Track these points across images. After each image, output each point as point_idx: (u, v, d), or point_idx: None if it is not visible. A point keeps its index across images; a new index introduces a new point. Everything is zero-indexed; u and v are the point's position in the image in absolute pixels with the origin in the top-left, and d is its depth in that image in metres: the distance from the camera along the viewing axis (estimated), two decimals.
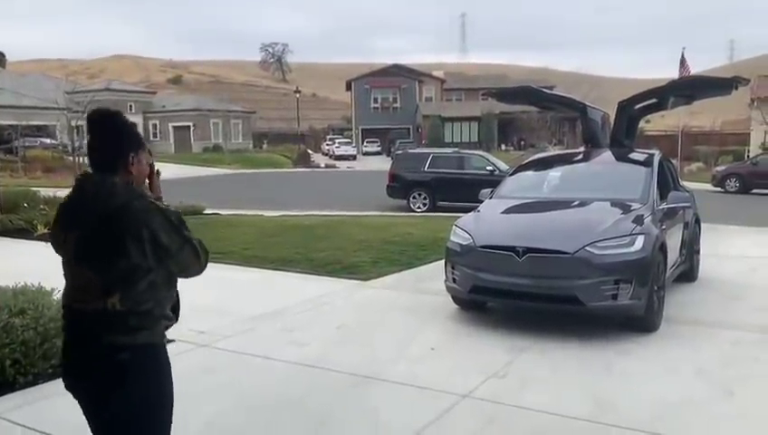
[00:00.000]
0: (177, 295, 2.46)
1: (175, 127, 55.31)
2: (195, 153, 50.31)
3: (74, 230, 2.24)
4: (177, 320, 2.45)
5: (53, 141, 38.48)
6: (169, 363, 2.41)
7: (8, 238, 10.43)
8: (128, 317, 2.22)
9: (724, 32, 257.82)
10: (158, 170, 2.52)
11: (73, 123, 20.48)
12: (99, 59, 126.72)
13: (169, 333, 5.77)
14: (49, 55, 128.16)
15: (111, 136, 2.31)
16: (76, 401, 2.37)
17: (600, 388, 4.52)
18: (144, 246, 2.18)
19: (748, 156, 31.81)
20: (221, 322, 6.01)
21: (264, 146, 60.60)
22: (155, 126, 56.16)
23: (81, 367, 2.28)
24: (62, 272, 2.35)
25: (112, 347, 2.21)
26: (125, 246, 2.16)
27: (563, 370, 4.88)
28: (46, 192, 13.98)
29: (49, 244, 2.43)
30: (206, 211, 14.61)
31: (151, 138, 54.42)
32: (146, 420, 2.29)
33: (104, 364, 2.22)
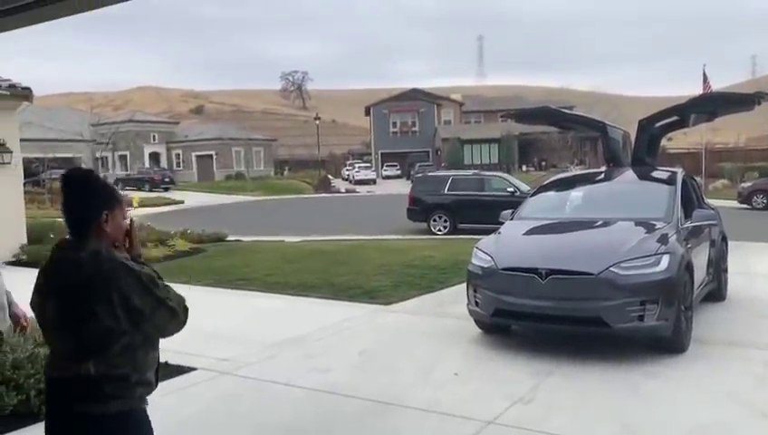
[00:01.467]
0: (158, 361, 2.40)
1: (198, 156, 56.10)
2: (217, 181, 50.91)
3: (50, 299, 2.23)
4: (156, 385, 2.38)
5: None
6: (148, 429, 2.35)
7: (35, 269, 10.54)
8: (101, 383, 2.15)
9: (746, 47, 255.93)
10: (132, 220, 2.44)
11: (98, 154, 20.88)
12: (123, 91, 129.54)
13: (191, 362, 5.80)
14: (75, 89, 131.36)
15: (82, 196, 2.25)
16: None
17: (628, 412, 4.41)
18: (115, 310, 2.13)
19: None
20: (243, 349, 6.00)
21: (286, 173, 61.15)
22: (178, 155, 57.02)
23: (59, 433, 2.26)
24: (45, 342, 2.36)
25: (83, 416, 2.16)
26: (95, 311, 2.12)
27: (590, 394, 4.78)
28: None
29: None
30: (228, 238, 14.72)
31: (174, 167, 55.24)
32: None
33: (79, 433, 2.18)
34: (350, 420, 4.45)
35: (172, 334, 2.34)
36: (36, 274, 2.35)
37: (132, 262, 2.28)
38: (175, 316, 2.28)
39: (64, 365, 2.20)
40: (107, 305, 2.12)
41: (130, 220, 2.43)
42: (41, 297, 2.29)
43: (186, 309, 2.34)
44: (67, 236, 2.30)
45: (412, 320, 7.18)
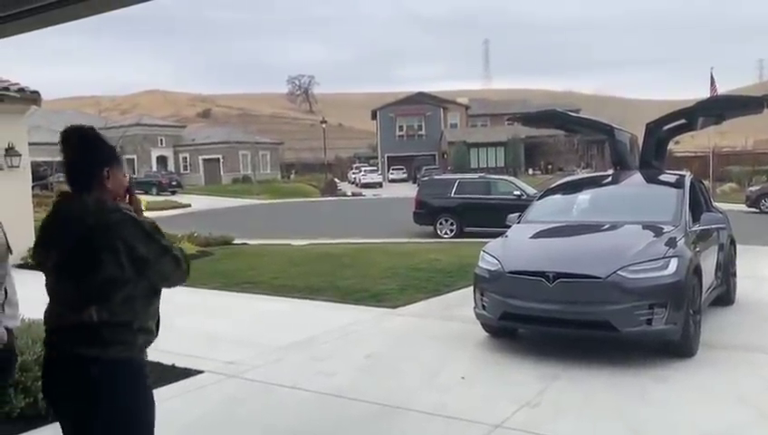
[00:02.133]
0: (159, 312, 2.43)
1: (205, 159, 56.27)
2: (224, 184, 51.06)
3: (53, 249, 2.27)
4: (156, 335, 2.41)
5: None
6: (147, 380, 2.36)
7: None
8: (101, 329, 2.19)
9: (753, 51, 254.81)
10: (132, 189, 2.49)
11: None
12: (130, 95, 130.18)
13: (199, 365, 5.80)
14: (83, 92, 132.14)
15: (83, 152, 2.29)
16: None
17: (637, 417, 4.38)
18: (120, 258, 2.16)
19: None
20: (250, 352, 6.00)
21: (292, 176, 61.26)
22: (185, 159, 57.22)
23: (57, 384, 2.28)
24: (46, 291, 2.37)
25: (83, 360, 2.18)
26: (101, 259, 2.15)
27: (597, 398, 4.76)
28: None
29: None
30: (235, 241, 14.75)
31: (182, 170, 55.41)
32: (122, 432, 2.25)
33: (76, 379, 2.20)
34: (356, 423, 4.44)
35: (176, 284, 2.37)
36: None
37: (135, 213, 2.31)
38: (179, 264, 2.31)
39: (66, 314, 2.23)
40: (112, 254, 2.15)
41: (129, 178, 2.47)
42: (44, 248, 2.32)
43: (188, 259, 2.38)
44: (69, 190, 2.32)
45: (419, 323, 7.17)
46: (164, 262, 2.26)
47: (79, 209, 2.22)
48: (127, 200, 2.41)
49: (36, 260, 2.37)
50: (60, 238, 2.25)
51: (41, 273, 2.37)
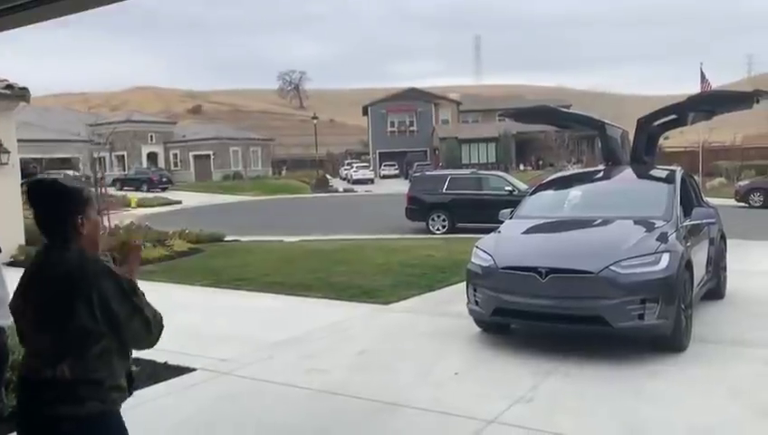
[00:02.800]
0: (131, 369, 2.39)
1: (195, 156, 56.01)
2: (215, 181, 50.85)
3: (32, 299, 2.25)
4: (131, 394, 2.37)
5: (76, 173, 39.12)
6: (124, 430, 2.31)
7: None
8: (76, 387, 2.15)
9: (742, 46, 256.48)
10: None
11: (95, 155, 20.82)
12: (120, 91, 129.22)
13: (191, 363, 5.78)
14: (72, 89, 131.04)
15: (52, 204, 2.25)
16: None
17: (629, 411, 4.40)
18: (94, 310, 2.13)
19: None
20: (242, 349, 5.98)
21: (283, 172, 61.11)
22: (175, 155, 56.94)
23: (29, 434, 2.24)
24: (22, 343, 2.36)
25: (56, 418, 2.15)
26: (75, 308, 2.12)
27: (591, 393, 4.77)
28: None
29: None
30: (226, 238, 14.70)
31: (172, 167, 55.14)
32: None
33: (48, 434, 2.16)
34: (349, 420, 4.44)
35: (144, 347, 2.33)
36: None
37: (113, 265, 2.28)
38: (148, 329, 2.26)
39: (40, 368, 2.19)
40: (86, 304, 2.12)
41: (136, 244, 2.47)
42: (22, 298, 2.29)
43: (160, 325, 2.31)
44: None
45: (412, 319, 7.17)
46: (134, 323, 2.21)
47: (59, 257, 2.20)
48: (127, 255, 2.43)
49: (15, 312, 2.34)
50: (39, 290, 2.22)
51: None
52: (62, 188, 2.30)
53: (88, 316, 2.13)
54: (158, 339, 2.32)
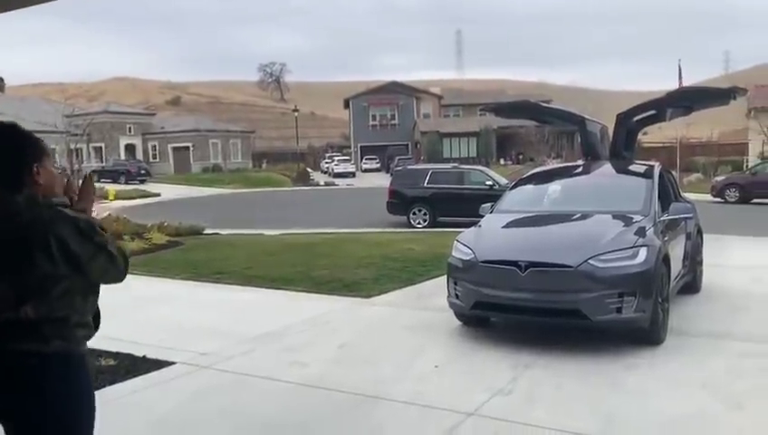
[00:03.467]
0: (97, 306, 2.41)
1: (174, 148, 55.44)
2: (194, 173, 50.41)
3: None
4: (96, 330, 2.40)
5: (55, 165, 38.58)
6: (88, 373, 2.36)
7: None
8: (40, 325, 2.19)
9: (720, 43, 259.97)
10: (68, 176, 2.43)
11: (72, 146, 20.53)
12: (97, 82, 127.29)
13: (171, 356, 5.74)
14: (48, 79, 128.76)
15: (8, 151, 2.24)
16: None
17: (607, 403, 4.46)
18: (53, 255, 2.15)
19: (747, 166, 31.86)
20: (223, 343, 5.95)
21: (264, 165, 60.71)
22: (154, 147, 56.31)
23: None
24: None
25: (22, 354, 2.18)
26: (33, 256, 2.15)
27: (569, 385, 4.83)
28: None
29: None
30: (206, 231, 14.59)
31: (151, 159, 54.54)
32: (61, 430, 2.26)
33: (15, 373, 2.19)
34: (331, 413, 4.44)
35: (112, 282, 2.35)
36: None
37: (71, 210, 2.27)
38: (113, 262, 2.29)
39: (3, 310, 2.19)
40: (45, 252, 2.14)
41: (88, 176, 2.42)
42: None
43: (126, 258, 2.35)
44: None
45: (392, 313, 7.19)
46: (99, 260, 2.24)
47: (11, 208, 2.18)
48: (79, 191, 2.38)
49: None
50: None
51: None
52: (19, 133, 2.29)
53: (47, 261, 2.15)
54: (126, 272, 2.35)
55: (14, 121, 2.41)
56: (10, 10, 4.72)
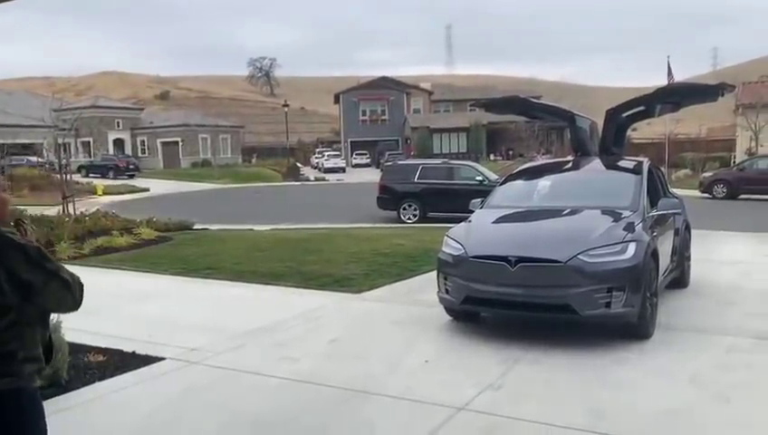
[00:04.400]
0: (50, 337, 2.33)
1: (163, 142, 55.11)
2: (183, 169, 50.13)
3: None
4: (48, 363, 2.30)
5: (40, 160, 38.21)
6: (41, 411, 2.24)
7: None
8: None
9: (708, 39, 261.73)
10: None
11: (60, 141, 20.36)
12: (85, 76, 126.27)
13: (160, 352, 5.72)
14: (35, 73, 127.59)
15: None
16: None
17: (595, 397, 4.49)
18: (1, 285, 2.07)
19: (734, 162, 32.09)
20: (212, 338, 5.93)
21: (253, 160, 60.50)
22: (143, 142, 55.92)
23: None
24: None
25: None
26: None
27: (558, 379, 4.85)
28: (33, 211, 13.84)
29: None
30: (195, 226, 14.53)
31: (140, 154, 54.18)
32: None
33: None
34: (321, 408, 4.44)
35: (67, 311, 2.28)
36: None
37: (18, 236, 2.18)
38: (68, 290, 2.20)
39: None
40: None
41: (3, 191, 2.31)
42: None
43: (81, 286, 2.25)
44: None
45: (383, 308, 7.19)
46: (51, 287, 2.16)
47: None
48: (13, 224, 2.28)
49: None
50: None
51: None
52: None
53: None
54: (81, 300, 2.25)
55: None
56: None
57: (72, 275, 2.24)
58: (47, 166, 35.58)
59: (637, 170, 7.15)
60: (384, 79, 67.07)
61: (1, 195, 2.26)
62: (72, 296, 2.22)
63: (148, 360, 5.26)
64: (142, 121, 57.68)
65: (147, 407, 4.47)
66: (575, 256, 5.50)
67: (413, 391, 4.61)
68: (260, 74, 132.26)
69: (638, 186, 6.74)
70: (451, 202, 15.21)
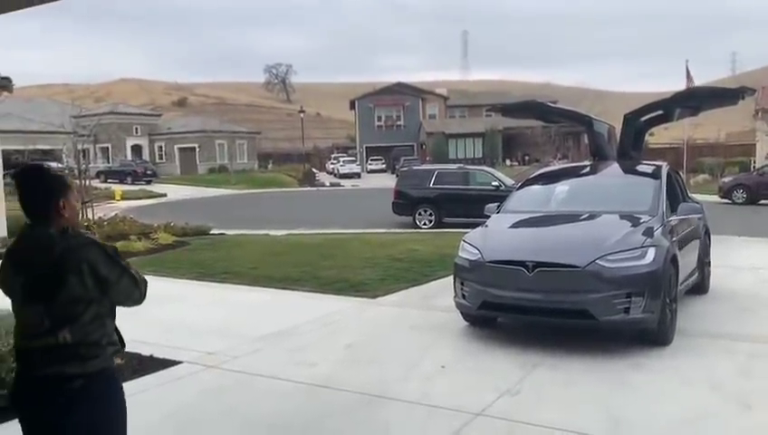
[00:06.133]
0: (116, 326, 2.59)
1: (180, 148, 55.55)
2: (200, 174, 50.51)
3: (20, 276, 2.42)
4: (124, 347, 2.60)
5: (60, 165, 38.55)
6: (121, 387, 2.55)
7: None
8: (79, 348, 2.38)
9: (726, 44, 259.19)
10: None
11: (80, 147, 20.60)
12: (104, 83, 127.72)
13: (177, 355, 5.74)
14: (54, 80, 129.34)
15: (37, 189, 2.47)
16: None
17: (615, 403, 4.44)
18: (84, 279, 2.35)
19: (754, 166, 31.70)
20: (229, 342, 5.95)
21: (270, 166, 60.75)
22: (160, 148, 56.42)
23: (33, 397, 2.39)
24: (13, 311, 2.52)
25: (66, 377, 2.35)
26: (66, 281, 2.34)
27: (576, 385, 4.81)
28: None
29: None
30: (212, 231, 14.61)
31: (157, 159, 54.64)
32: None
33: (55, 393, 2.35)
34: (337, 413, 4.43)
35: (134, 304, 2.57)
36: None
37: (96, 237, 2.51)
38: (136, 285, 2.52)
39: (39, 336, 2.37)
40: (78, 276, 2.34)
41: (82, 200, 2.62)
42: (10, 274, 2.47)
43: (145, 282, 2.58)
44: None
45: (399, 313, 7.18)
46: (124, 282, 2.46)
47: (44, 238, 2.40)
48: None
49: (3, 286, 2.52)
50: (28, 264, 2.41)
51: None
52: (47, 173, 2.56)
53: (79, 286, 2.34)
54: (145, 295, 2.57)
55: (41, 163, 2.66)
56: (8, 12, 4.73)
57: (138, 272, 2.55)
58: (66, 171, 36.04)
59: (656, 175, 7.08)
60: (399, 85, 67.09)
61: (75, 204, 2.55)
62: (138, 291, 2.54)
63: (165, 363, 5.29)
64: (160, 128, 58.20)
65: (164, 410, 4.49)
66: (593, 261, 5.46)
67: (430, 396, 4.59)
68: (276, 81, 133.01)
69: (657, 190, 6.67)
70: (467, 207, 15.16)
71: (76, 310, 2.36)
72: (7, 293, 2.51)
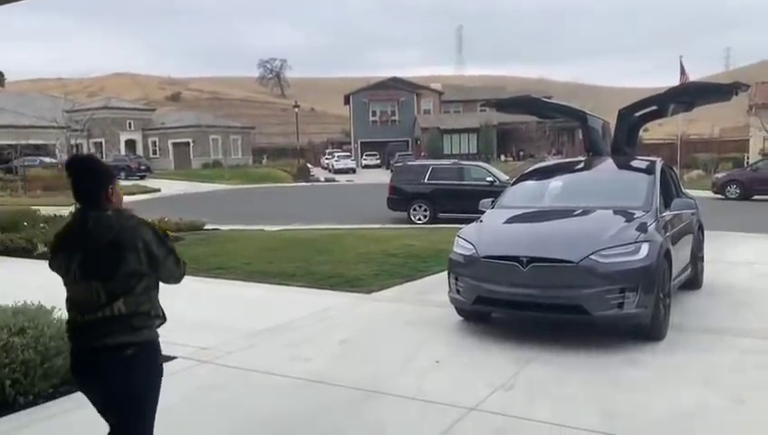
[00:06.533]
0: None
1: (174, 143, 55.39)
2: (194, 169, 50.34)
3: (78, 253, 2.65)
4: (165, 320, 2.86)
5: (53, 160, 38.50)
6: (160, 352, 2.85)
7: (8, 257, 10.37)
8: (131, 319, 2.65)
9: (720, 40, 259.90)
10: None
11: (73, 142, 20.53)
12: (97, 77, 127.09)
13: (171, 351, 5.73)
14: (47, 74, 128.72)
15: (91, 176, 2.74)
16: (74, 420, 2.70)
17: (608, 398, 4.46)
18: (140, 255, 2.64)
19: (748, 162, 31.82)
20: (223, 337, 5.95)
21: (264, 161, 60.65)
22: (154, 143, 56.25)
23: (92, 365, 2.65)
24: (66, 289, 2.74)
25: (120, 346, 2.63)
26: (125, 256, 2.61)
27: (570, 380, 4.82)
28: (46, 211, 13.93)
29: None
30: (206, 227, 14.57)
31: (151, 155, 54.47)
32: (144, 401, 2.77)
33: (115, 361, 2.62)
34: (332, 408, 4.43)
35: (174, 282, 2.86)
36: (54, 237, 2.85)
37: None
38: (178, 265, 2.82)
39: (96, 308, 2.62)
40: (134, 251, 2.62)
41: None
42: (65, 253, 2.71)
43: (185, 264, 2.88)
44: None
45: (393, 308, 7.18)
46: (169, 262, 2.75)
47: (104, 219, 2.67)
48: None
49: (55, 264, 2.75)
50: (85, 243, 2.65)
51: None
52: (98, 163, 2.89)
53: (135, 261, 2.63)
54: (184, 274, 2.89)
55: (91, 153, 2.75)
56: (3, 4, 4.70)
57: (179, 254, 2.83)
58: (59, 166, 35.87)
59: (649, 170, 7.10)
60: (394, 79, 66.99)
61: (119, 190, 2.80)
62: (179, 271, 2.85)
63: None
64: (154, 122, 58.01)
65: (159, 405, 4.47)
66: (587, 256, 5.47)
67: (424, 391, 4.60)
68: (270, 75, 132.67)
69: (651, 186, 6.69)
70: (461, 203, 15.17)
71: (130, 283, 2.63)
72: (61, 272, 2.72)
